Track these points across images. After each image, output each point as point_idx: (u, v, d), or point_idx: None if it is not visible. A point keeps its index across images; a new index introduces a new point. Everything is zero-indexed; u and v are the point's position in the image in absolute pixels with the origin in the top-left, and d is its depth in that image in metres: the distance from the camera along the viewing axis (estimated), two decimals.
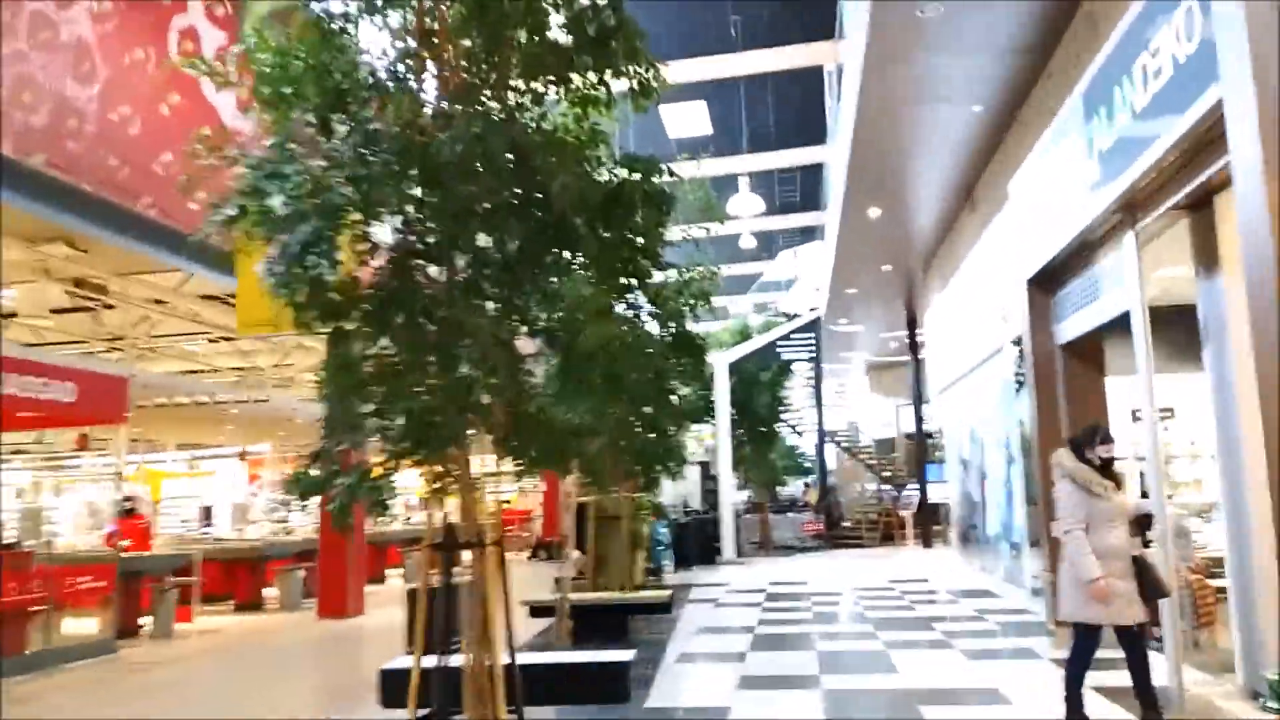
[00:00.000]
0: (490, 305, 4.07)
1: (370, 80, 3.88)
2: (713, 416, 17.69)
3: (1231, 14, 3.97)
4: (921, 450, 19.80)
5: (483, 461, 4.60)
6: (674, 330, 9.15)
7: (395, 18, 4.00)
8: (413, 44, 4.01)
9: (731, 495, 18.80)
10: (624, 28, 3.95)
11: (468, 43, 4.00)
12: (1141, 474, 10.12)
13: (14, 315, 12.56)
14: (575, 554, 11.94)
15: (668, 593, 9.14)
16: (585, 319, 4.28)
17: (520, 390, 4.30)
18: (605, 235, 4.47)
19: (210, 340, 15.51)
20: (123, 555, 10.17)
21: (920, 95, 9.18)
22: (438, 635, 4.60)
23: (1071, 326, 7.23)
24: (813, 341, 20.17)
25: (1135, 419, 10.13)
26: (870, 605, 10.37)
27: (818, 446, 22.50)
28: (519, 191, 3.93)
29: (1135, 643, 4.83)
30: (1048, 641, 7.33)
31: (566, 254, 4.06)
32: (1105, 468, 4.95)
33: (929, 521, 19.17)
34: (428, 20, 4.03)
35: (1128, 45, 5.28)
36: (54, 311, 12.77)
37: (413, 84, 3.98)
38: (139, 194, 7.00)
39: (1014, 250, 8.19)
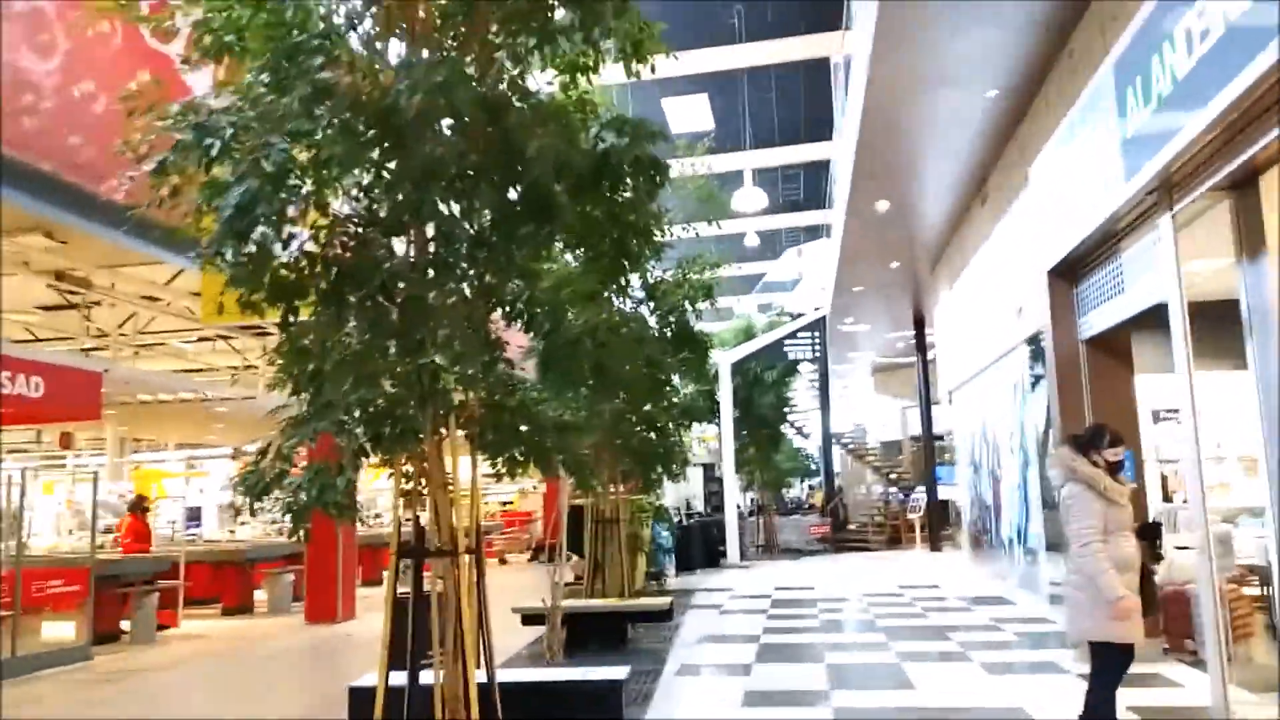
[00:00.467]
0: (462, 285, 3.65)
1: (325, 31, 3.45)
2: (716, 417, 17.26)
3: None
4: (929, 452, 19.33)
5: (475, 462, 4.18)
6: (674, 324, 8.74)
7: None
8: None
9: (735, 497, 18.39)
10: None
11: None
12: (1164, 477, 9.75)
13: None
14: (573, 558, 11.55)
15: (668, 599, 8.70)
16: (570, 301, 3.86)
17: (498, 381, 3.87)
18: (592, 209, 4.06)
19: (203, 338, 15.12)
20: (99, 558, 9.77)
21: (931, 79, 8.72)
22: (409, 651, 4.20)
23: (1097, 320, 6.78)
24: (818, 341, 19.71)
25: (1156, 420, 9.72)
26: (880, 612, 9.92)
27: (823, 448, 22.05)
28: (491, 154, 3.50)
29: (1119, 660, 4.41)
30: (1071, 654, 6.87)
31: (547, 228, 3.62)
32: (1111, 473, 4.53)
33: (937, 525, 18.70)
34: None
35: (1168, 6, 4.83)
36: (42, 309, 12.37)
37: (374, 36, 3.56)
38: (104, 176, 6.59)
39: (1033, 241, 7.75)
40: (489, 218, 3.58)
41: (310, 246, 3.61)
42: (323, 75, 3.18)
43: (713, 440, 19.70)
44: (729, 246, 20.66)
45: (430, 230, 3.51)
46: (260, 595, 12.72)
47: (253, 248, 3.14)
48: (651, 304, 8.65)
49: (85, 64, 6.47)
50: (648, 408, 8.50)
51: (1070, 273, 7.03)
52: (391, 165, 3.41)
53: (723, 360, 17.92)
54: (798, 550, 19.74)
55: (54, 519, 16.39)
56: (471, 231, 3.55)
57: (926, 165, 10.87)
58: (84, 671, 8.39)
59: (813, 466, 23.42)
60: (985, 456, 12.71)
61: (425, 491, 3.99)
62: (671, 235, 7.09)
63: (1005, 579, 11.41)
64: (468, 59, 3.55)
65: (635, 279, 8.23)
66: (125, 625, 10.13)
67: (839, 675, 6.76)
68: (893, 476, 23.86)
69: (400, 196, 3.39)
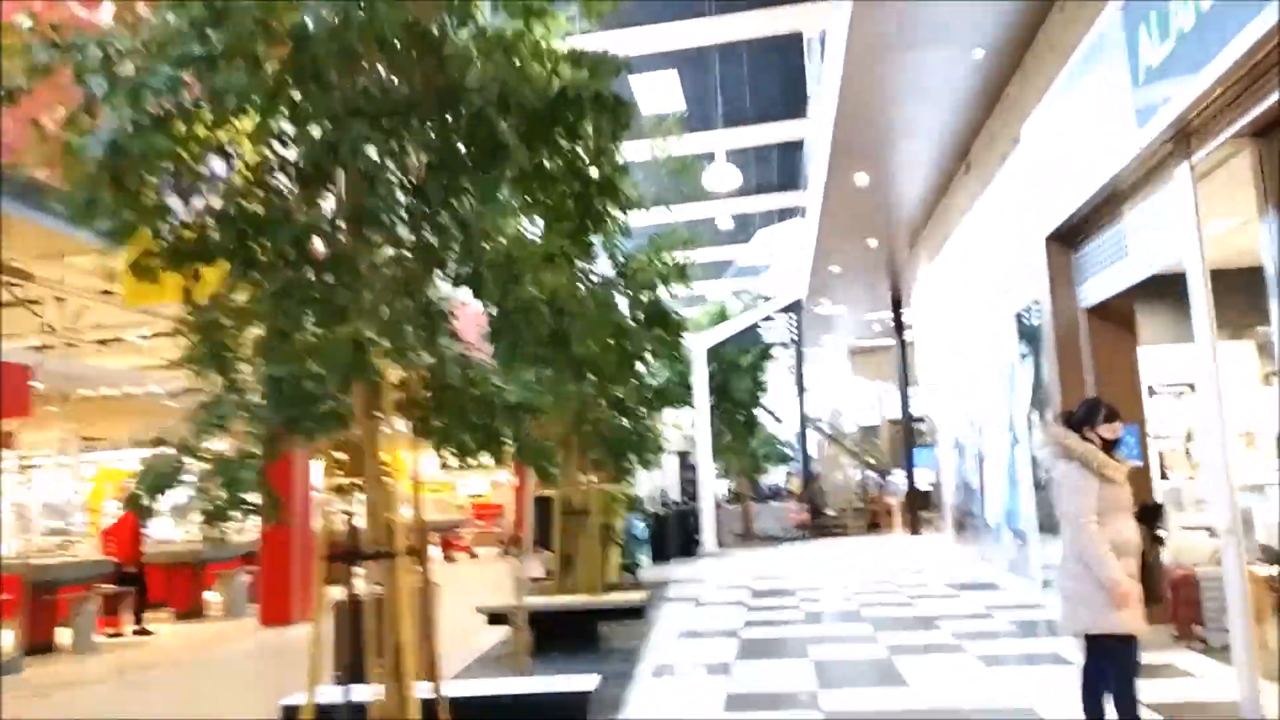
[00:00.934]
0: (395, 243, 3.09)
1: None
2: (691, 402, 16.76)
3: None
4: (908, 435, 19.00)
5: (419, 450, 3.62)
6: (646, 304, 8.19)
7: None
8: None
9: (712, 485, 17.96)
10: None
11: None
12: (1160, 455, 9.39)
13: None
14: (544, 553, 11.01)
15: (642, 594, 8.20)
16: (523, 263, 3.31)
17: (441, 357, 3.32)
18: (549, 159, 3.50)
19: (160, 333, 14.35)
20: (32, 564, 9.11)
21: (914, 39, 8.23)
22: (345, 665, 3.68)
23: (1099, 287, 6.34)
24: (794, 324, 19.26)
25: (1151, 394, 9.35)
26: (865, 602, 9.49)
27: (800, 433, 21.66)
28: (425, 89, 2.94)
29: (1130, 655, 3.99)
30: (1074, 644, 6.45)
31: (493, 173, 3.05)
32: (1106, 450, 4.11)
33: (917, 508, 18.39)
34: None
35: None
36: None
37: None
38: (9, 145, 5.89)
39: (1028, 206, 7.29)
40: (425, 164, 3.02)
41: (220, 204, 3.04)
42: None
43: (678, 427, 19.17)
44: (702, 231, 20.14)
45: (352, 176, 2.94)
46: (215, 597, 12.08)
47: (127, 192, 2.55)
48: (623, 282, 8.10)
49: None
50: (620, 393, 7.97)
51: (1070, 237, 6.58)
52: (304, 97, 2.83)
53: (697, 344, 17.42)
54: (776, 537, 19.35)
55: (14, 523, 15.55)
56: (403, 180, 2.99)
57: (908, 134, 10.41)
58: (13, 686, 7.73)
59: (789, 453, 23.00)
60: (970, 437, 12.32)
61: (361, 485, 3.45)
62: (639, 197, 6.53)
63: (992, 563, 11.03)
64: None
65: (606, 261, 7.69)
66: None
67: (826, 673, 6.29)
68: (870, 461, 23.56)
69: (316, 137, 2.82)
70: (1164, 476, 8.70)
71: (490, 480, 24.11)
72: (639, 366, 6.88)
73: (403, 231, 3.10)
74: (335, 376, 2.82)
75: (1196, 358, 4.80)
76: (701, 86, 18.45)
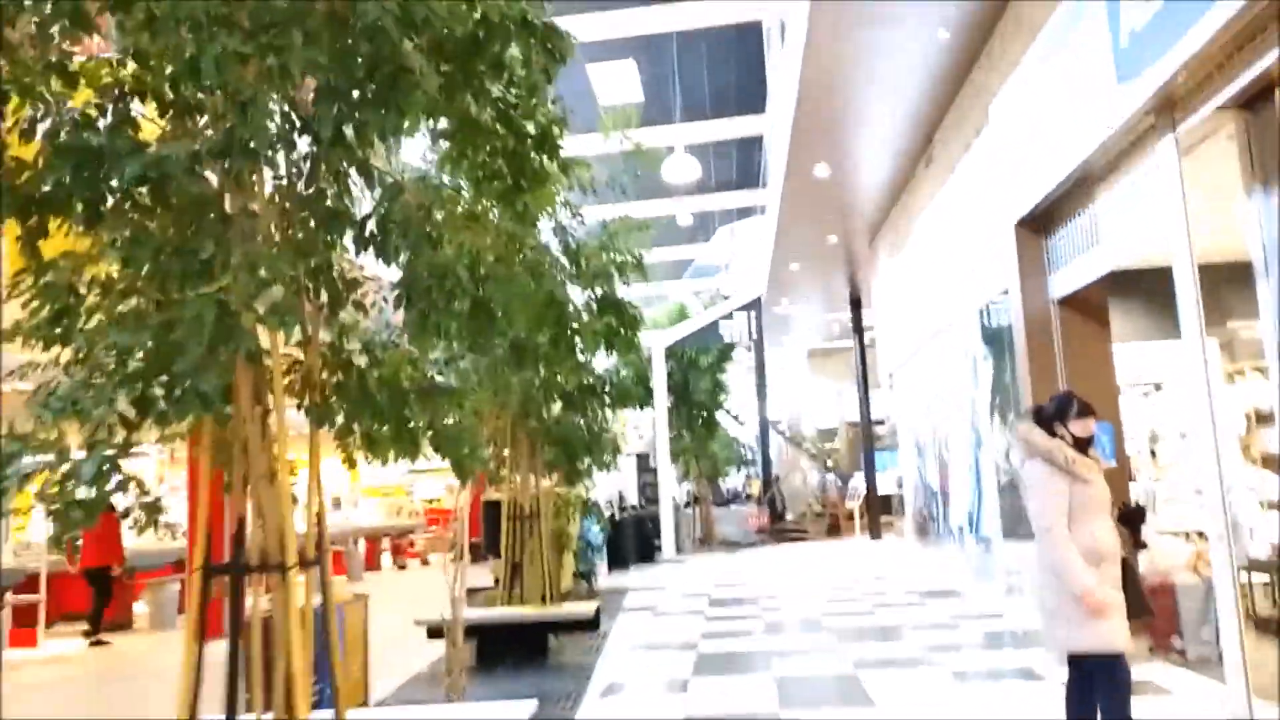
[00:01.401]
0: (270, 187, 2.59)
1: None
2: (650, 402, 16.31)
3: None
4: (868, 437, 18.73)
5: (317, 443, 3.10)
6: (599, 296, 7.71)
7: None
8: None
9: (671, 488, 17.52)
10: None
11: None
12: (1128, 456, 9.11)
13: None
14: (492, 560, 10.46)
15: (594, 605, 7.69)
16: (439, 217, 2.82)
17: (340, 329, 2.82)
18: (475, 104, 3.03)
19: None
20: None
21: (877, 19, 7.87)
22: (227, 693, 3.16)
23: (1070, 276, 6.00)
24: (753, 321, 18.91)
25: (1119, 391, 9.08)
26: (827, 610, 9.09)
27: (760, 436, 21.33)
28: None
29: (1115, 674, 3.61)
30: (1050, 656, 6.09)
31: (396, 105, 2.55)
32: (1080, 448, 3.73)
33: (877, 512, 18.12)
34: None
35: None
36: None
37: None
38: None
39: (995, 191, 6.95)
40: (313, 90, 2.52)
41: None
42: None
43: (622, 425, 18.68)
44: (661, 231, 19.72)
45: (219, 105, 2.43)
46: (142, 609, 11.34)
47: None
48: (574, 270, 7.61)
49: None
50: (569, 384, 7.49)
51: (1041, 223, 6.25)
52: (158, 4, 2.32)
53: (656, 343, 16.99)
54: (736, 543, 18.97)
55: None
56: (284, 110, 2.48)
57: (870, 121, 10.06)
58: None
59: (749, 455, 22.68)
60: (931, 438, 12.02)
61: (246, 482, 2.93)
62: (590, 179, 6.07)
63: (955, 569, 10.72)
64: None
65: (556, 246, 7.21)
66: None
67: (788, 690, 5.85)
68: (829, 463, 23.31)
69: (170, 51, 2.31)
70: (1131, 479, 8.42)
71: (445, 484, 23.44)
72: (579, 347, 6.35)
73: (290, 174, 2.60)
74: (197, 348, 2.31)
75: (1184, 352, 4.46)
76: (660, 79, 18.07)
